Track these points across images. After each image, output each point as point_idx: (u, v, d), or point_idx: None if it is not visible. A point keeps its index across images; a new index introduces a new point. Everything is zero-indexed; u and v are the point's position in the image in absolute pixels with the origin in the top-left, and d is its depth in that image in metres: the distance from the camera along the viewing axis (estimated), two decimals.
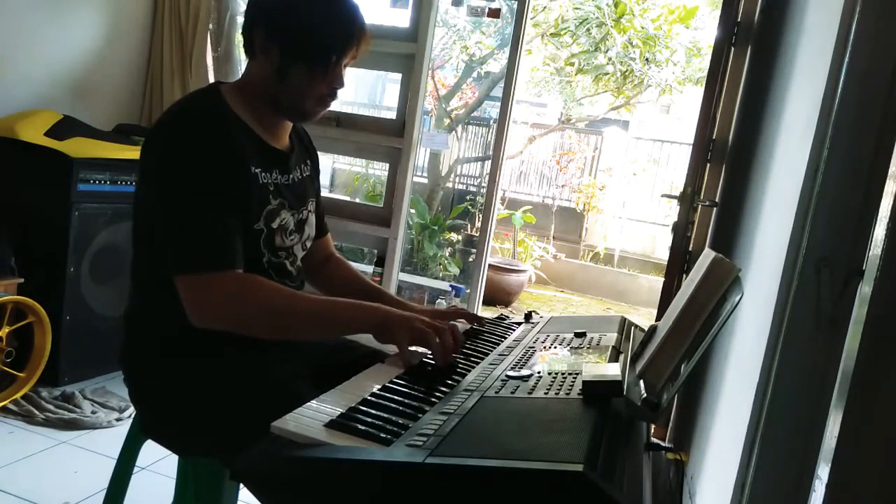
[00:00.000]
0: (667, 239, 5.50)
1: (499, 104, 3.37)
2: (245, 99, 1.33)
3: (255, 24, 1.30)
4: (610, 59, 6.59)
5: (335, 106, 2.54)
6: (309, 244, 1.49)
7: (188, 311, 1.18)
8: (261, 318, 1.21)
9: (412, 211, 5.62)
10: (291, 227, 1.38)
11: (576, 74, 7.25)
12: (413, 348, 1.19)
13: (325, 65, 1.29)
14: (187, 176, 1.20)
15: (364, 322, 1.23)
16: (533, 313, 1.61)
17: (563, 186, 7.98)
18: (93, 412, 2.51)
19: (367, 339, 1.29)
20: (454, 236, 6.32)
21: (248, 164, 1.27)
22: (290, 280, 1.40)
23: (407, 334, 1.18)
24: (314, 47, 1.28)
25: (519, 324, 1.56)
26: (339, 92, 1.35)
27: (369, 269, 3.45)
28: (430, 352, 1.18)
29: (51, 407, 2.48)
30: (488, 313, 2.99)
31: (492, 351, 1.31)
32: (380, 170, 6.21)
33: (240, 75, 1.40)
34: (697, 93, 6.13)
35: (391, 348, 1.27)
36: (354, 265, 1.71)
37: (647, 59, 6.56)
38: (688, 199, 2.54)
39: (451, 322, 1.28)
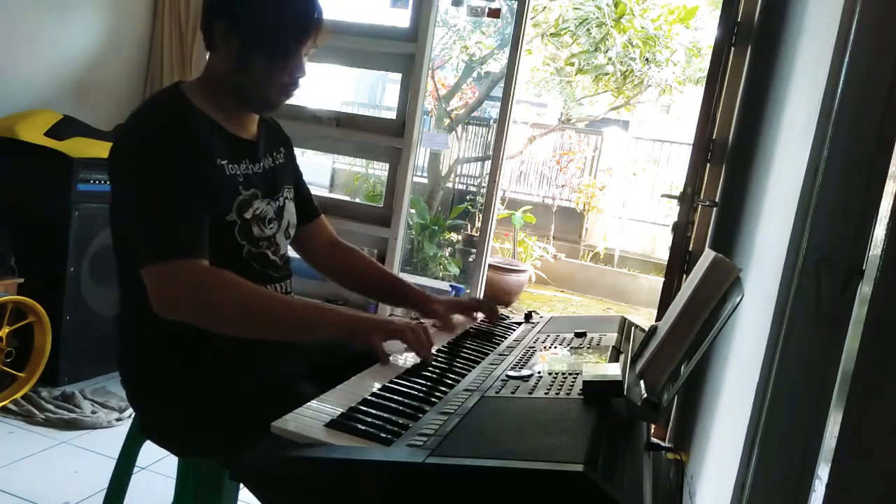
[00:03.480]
0: (667, 239, 5.50)
1: (499, 104, 3.37)
2: (208, 93, 1.34)
3: (214, 16, 1.31)
4: (610, 59, 6.59)
5: (335, 106, 2.56)
6: (292, 232, 1.48)
7: (152, 302, 1.18)
8: (221, 310, 1.20)
9: (412, 211, 5.62)
10: (271, 216, 1.39)
11: (576, 74, 7.25)
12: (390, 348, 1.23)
13: (284, 53, 1.30)
14: (149, 173, 1.21)
15: (333, 327, 1.23)
16: (533, 313, 1.61)
17: (563, 186, 7.97)
18: (93, 412, 2.51)
19: None
20: (454, 236, 6.32)
21: (214, 157, 1.28)
22: (273, 270, 1.39)
23: (378, 338, 1.20)
24: (273, 36, 1.28)
25: (519, 324, 1.56)
26: (302, 81, 1.35)
27: None
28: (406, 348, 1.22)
29: (51, 407, 2.48)
30: None
31: (492, 351, 1.31)
32: (380, 170, 6.22)
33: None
34: (697, 93, 6.13)
35: (391, 349, 1.27)
36: None
37: (647, 59, 6.56)
38: (688, 199, 2.54)
39: (422, 323, 1.30)
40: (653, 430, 2.05)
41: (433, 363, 1.20)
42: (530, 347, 1.30)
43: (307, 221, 1.58)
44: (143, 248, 1.20)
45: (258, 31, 1.28)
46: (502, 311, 1.61)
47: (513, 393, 1.01)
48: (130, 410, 2.52)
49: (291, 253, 1.52)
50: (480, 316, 1.56)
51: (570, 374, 1.08)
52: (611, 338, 1.34)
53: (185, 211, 1.21)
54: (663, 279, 2.66)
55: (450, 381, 1.11)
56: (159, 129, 1.25)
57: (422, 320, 1.49)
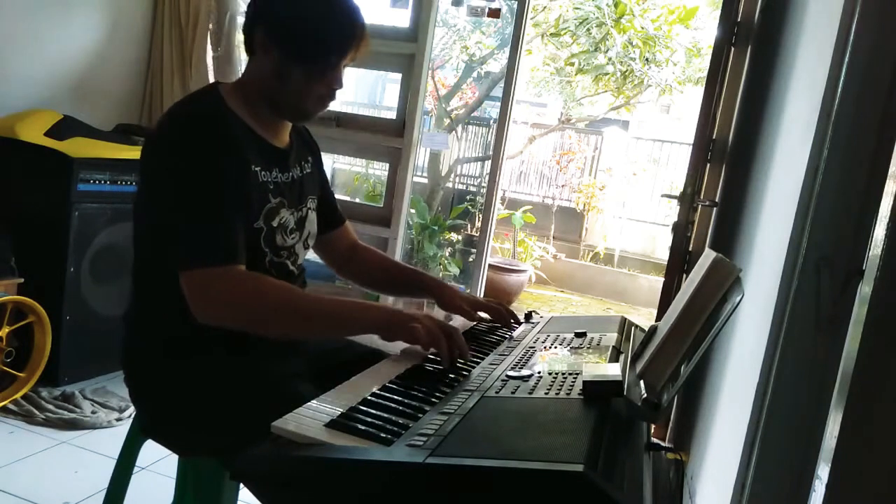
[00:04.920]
0: (667, 239, 5.50)
1: (499, 104, 3.37)
2: (244, 98, 1.33)
3: (256, 24, 1.30)
4: (610, 59, 6.59)
5: (335, 106, 2.55)
6: (311, 242, 1.48)
7: (192, 307, 1.18)
8: (264, 314, 1.21)
9: (412, 211, 5.62)
10: (292, 226, 1.38)
11: (576, 74, 7.25)
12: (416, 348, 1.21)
13: (324, 66, 1.30)
14: (189, 174, 1.20)
15: (369, 322, 1.22)
16: (533, 313, 1.61)
17: (563, 186, 7.97)
18: (93, 412, 2.51)
19: (367, 338, 1.29)
20: (454, 236, 6.32)
21: (249, 163, 1.28)
22: (291, 280, 1.39)
23: (413, 335, 1.18)
24: (314, 48, 1.28)
25: (519, 324, 1.56)
26: (338, 92, 1.35)
27: None
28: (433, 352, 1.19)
29: (51, 407, 2.48)
30: None
31: (492, 351, 1.31)
32: (380, 170, 6.21)
33: (240, 75, 1.40)
34: (697, 93, 6.13)
35: (392, 348, 1.27)
36: None
37: (647, 59, 6.56)
38: (688, 199, 2.54)
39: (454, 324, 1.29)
40: (653, 430, 2.05)
41: (431, 364, 1.20)
42: (530, 347, 1.30)
43: (331, 229, 1.58)
44: (184, 251, 1.19)
45: (299, 43, 1.27)
46: None
47: (513, 393, 1.01)
48: (130, 410, 2.52)
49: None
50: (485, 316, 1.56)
51: (570, 374, 1.08)
52: (611, 338, 1.34)
53: (226, 214, 1.20)
54: (663, 279, 2.66)
55: (450, 381, 1.11)
56: (202, 129, 1.24)
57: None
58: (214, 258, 1.18)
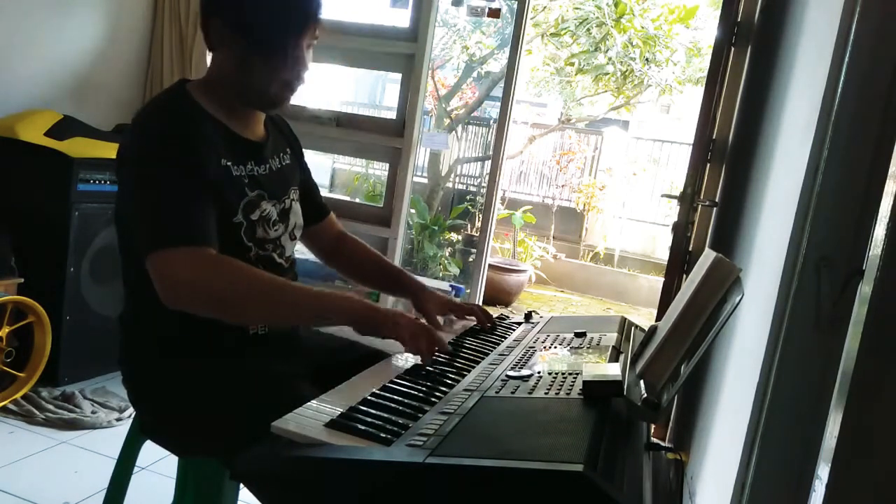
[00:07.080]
0: (667, 239, 5.50)
1: (499, 104, 3.37)
2: (212, 93, 1.32)
3: (210, 16, 1.29)
4: (610, 59, 6.59)
5: (335, 106, 2.57)
6: (297, 234, 1.47)
7: (159, 290, 1.13)
8: (234, 298, 1.16)
9: (412, 211, 5.62)
10: (275, 218, 1.37)
11: (576, 74, 7.24)
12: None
13: (283, 49, 1.27)
14: (154, 171, 1.19)
15: (345, 314, 1.19)
16: (533, 313, 1.61)
17: (563, 186, 7.97)
18: (93, 412, 2.51)
19: (367, 338, 1.29)
20: (454, 236, 6.32)
21: (218, 158, 1.26)
22: (279, 273, 1.38)
23: (395, 332, 1.19)
24: (269, 34, 1.26)
25: (519, 324, 1.56)
26: (307, 75, 1.33)
27: None
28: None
29: (51, 407, 2.48)
30: None
31: (492, 351, 1.31)
32: (380, 170, 6.21)
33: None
34: (697, 93, 6.13)
35: (392, 348, 1.27)
36: None
37: (647, 59, 6.56)
38: (688, 199, 2.54)
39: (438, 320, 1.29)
40: (653, 430, 2.05)
41: (433, 364, 1.20)
42: (530, 347, 1.30)
43: (316, 221, 1.58)
44: (147, 236, 1.17)
45: (253, 28, 1.26)
46: (502, 311, 1.61)
47: (513, 393, 1.02)
48: (130, 410, 2.52)
49: (296, 254, 1.52)
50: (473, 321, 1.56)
51: (570, 374, 1.08)
52: (611, 338, 1.34)
53: (189, 202, 1.18)
54: (663, 279, 2.66)
55: (450, 381, 1.11)
56: (163, 130, 1.23)
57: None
58: (179, 238, 1.14)
